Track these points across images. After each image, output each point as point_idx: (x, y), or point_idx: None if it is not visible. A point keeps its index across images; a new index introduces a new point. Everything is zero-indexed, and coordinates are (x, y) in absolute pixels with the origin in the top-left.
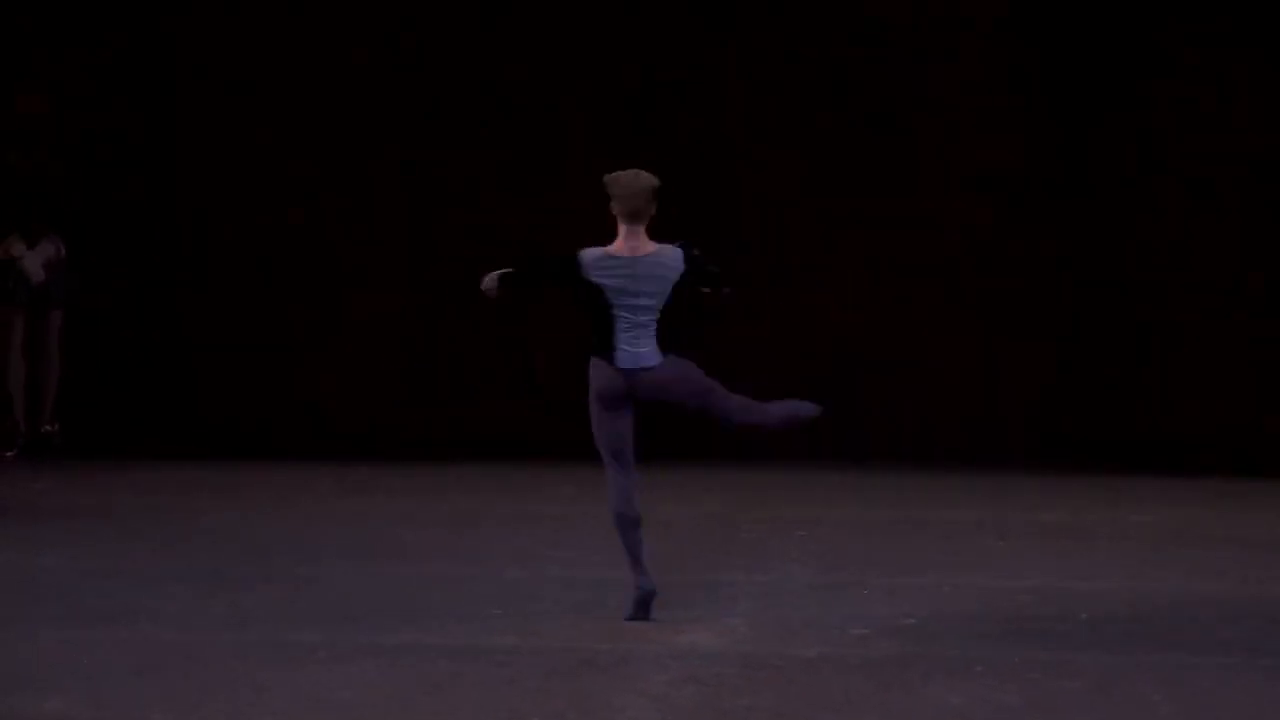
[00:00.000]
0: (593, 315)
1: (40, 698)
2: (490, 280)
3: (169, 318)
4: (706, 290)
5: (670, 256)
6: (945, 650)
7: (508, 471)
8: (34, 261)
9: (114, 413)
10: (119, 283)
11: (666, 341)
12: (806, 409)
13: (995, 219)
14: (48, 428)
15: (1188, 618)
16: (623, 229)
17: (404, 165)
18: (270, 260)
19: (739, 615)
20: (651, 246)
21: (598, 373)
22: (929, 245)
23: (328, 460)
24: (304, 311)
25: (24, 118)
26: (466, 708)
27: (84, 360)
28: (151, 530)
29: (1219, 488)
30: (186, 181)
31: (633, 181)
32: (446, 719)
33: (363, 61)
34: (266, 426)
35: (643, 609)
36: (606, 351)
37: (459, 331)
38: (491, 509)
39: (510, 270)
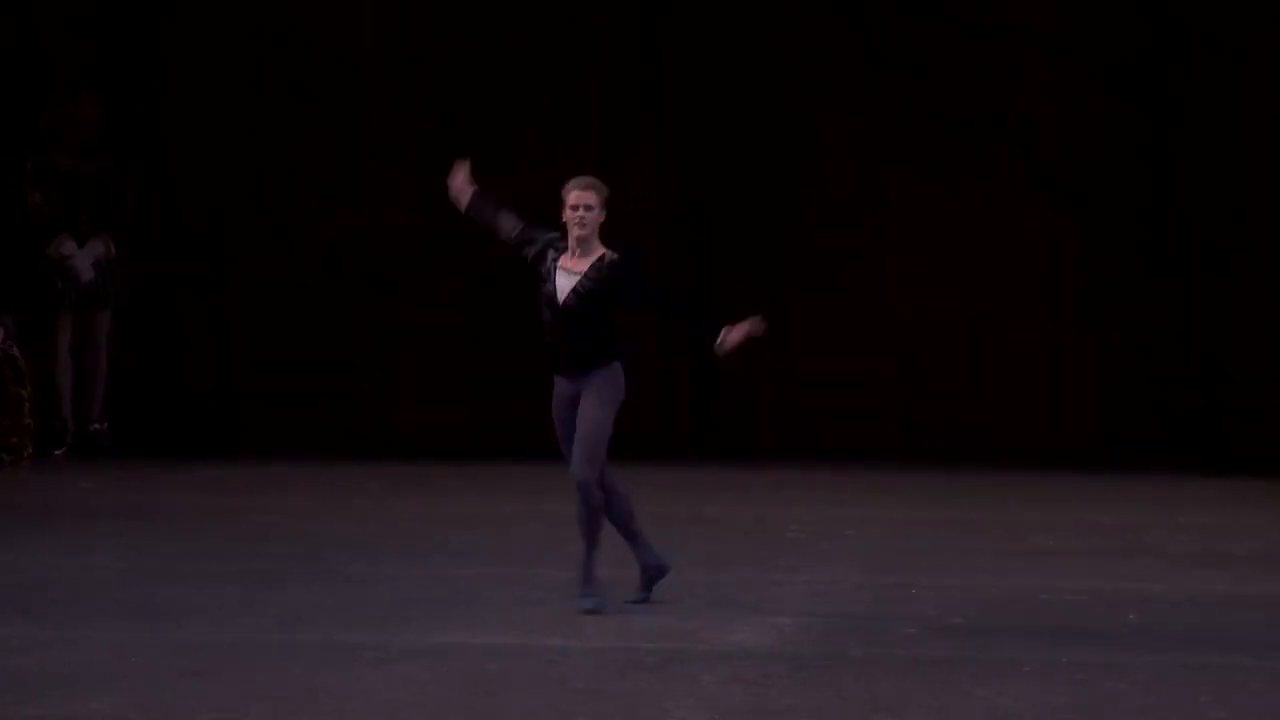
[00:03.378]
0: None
1: (90, 697)
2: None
3: (217, 317)
4: None
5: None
6: (994, 651)
7: (556, 473)
8: (84, 261)
9: (163, 412)
10: (167, 282)
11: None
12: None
13: (1066, 218)
14: (96, 426)
15: (1237, 620)
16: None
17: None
18: (321, 262)
19: (787, 615)
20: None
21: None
22: (994, 243)
23: (378, 461)
24: (357, 313)
25: (73, 120)
26: (514, 708)
27: (132, 359)
28: (201, 530)
29: (1270, 489)
30: (233, 182)
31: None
32: (496, 719)
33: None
34: (315, 427)
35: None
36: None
37: (505, 332)
38: (539, 510)
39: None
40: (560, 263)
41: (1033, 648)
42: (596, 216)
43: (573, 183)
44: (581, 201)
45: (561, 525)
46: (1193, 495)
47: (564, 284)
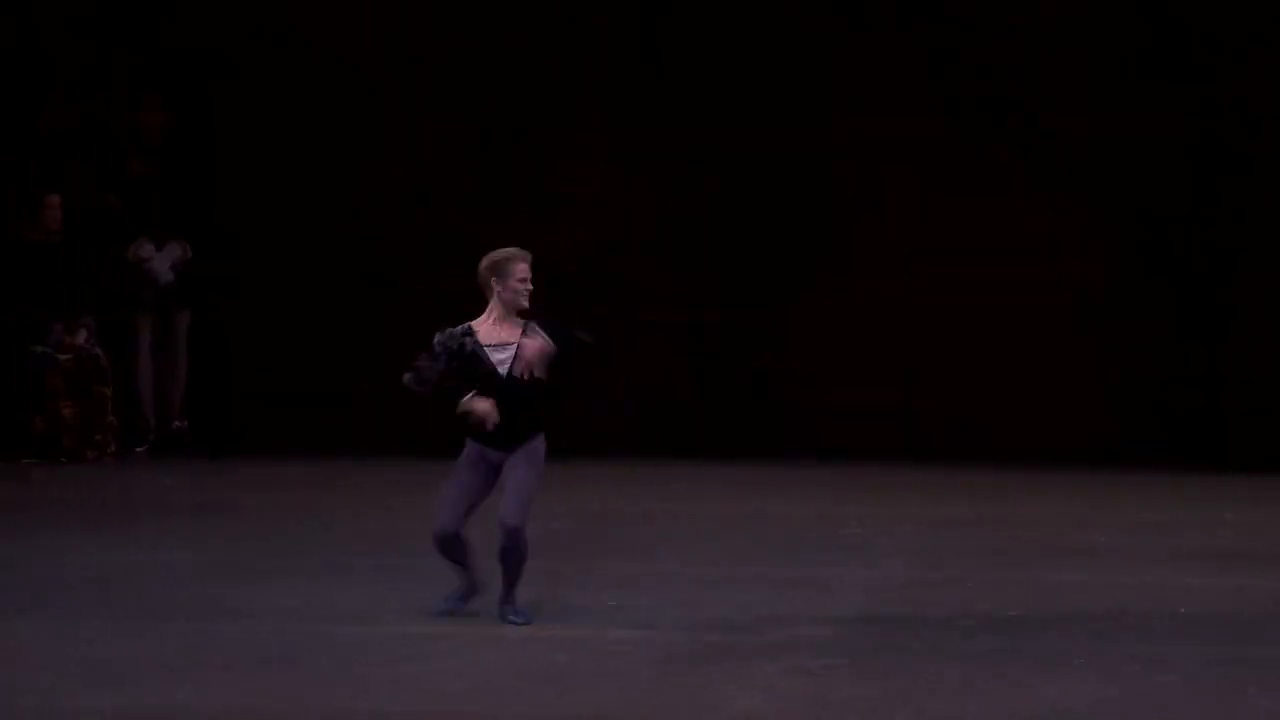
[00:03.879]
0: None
1: (171, 688)
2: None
3: (290, 315)
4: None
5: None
6: (1045, 644)
7: (624, 470)
8: (162, 263)
9: (242, 410)
10: (242, 283)
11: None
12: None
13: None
14: (177, 424)
15: None
16: None
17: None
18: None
19: (846, 609)
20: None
21: None
22: (1029, 246)
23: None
24: (426, 311)
25: (148, 127)
26: (582, 698)
27: (211, 358)
28: (278, 525)
29: None
30: (306, 186)
31: (485, 260)
32: (563, 708)
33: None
34: (387, 424)
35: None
36: None
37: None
38: (610, 506)
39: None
40: (481, 340)
41: (1083, 641)
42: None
43: (517, 254)
44: (529, 275)
45: (631, 521)
46: (1235, 494)
47: (500, 357)
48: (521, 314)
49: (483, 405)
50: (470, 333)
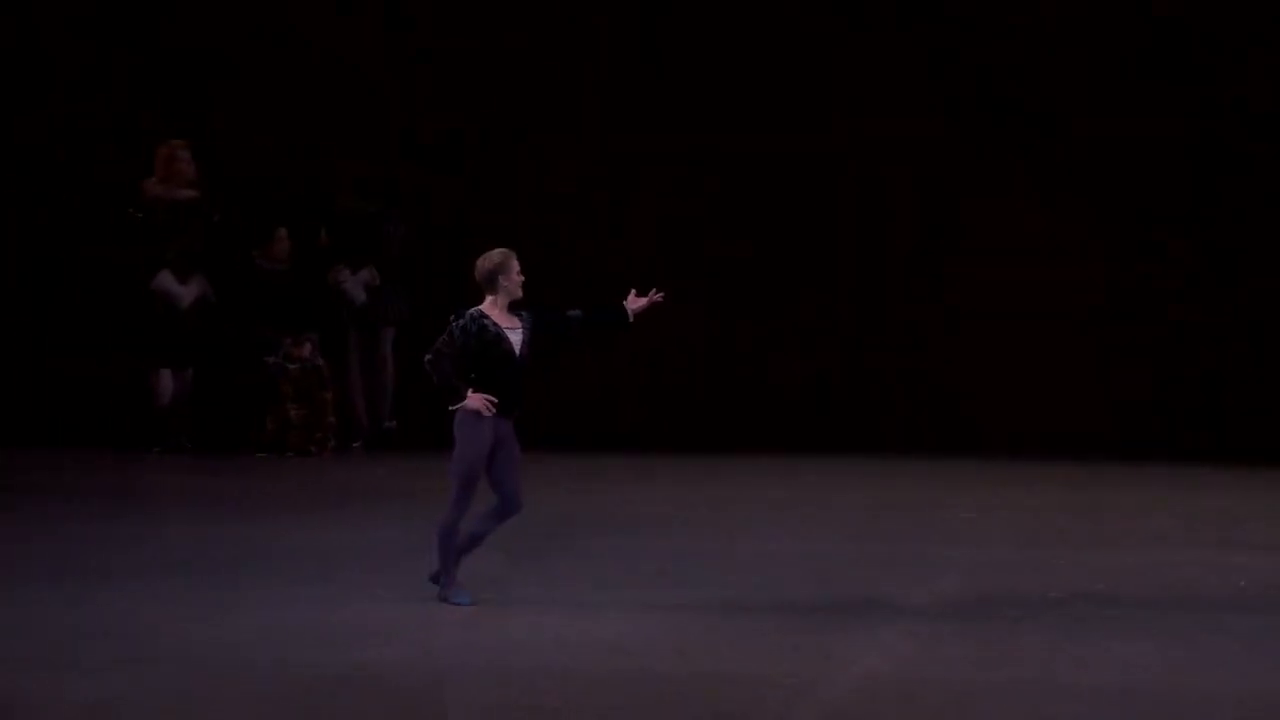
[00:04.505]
0: None
1: (383, 648)
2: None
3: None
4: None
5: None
6: (1125, 612)
7: (756, 463)
8: (355, 286)
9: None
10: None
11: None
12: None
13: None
14: (387, 424)
15: None
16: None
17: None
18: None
19: (951, 581)
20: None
21: None
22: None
23: (607, 451)
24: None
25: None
26: (729, 655)
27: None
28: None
29: None
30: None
31: (482, 261)
32: (709, 664)
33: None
34: (564, 420)
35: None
36: None
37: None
38: (745, 493)
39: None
40: (498, 324)
41: (1158, 610)
42: None
43: (511, 254)
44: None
45: (762, 507)
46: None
47: (514, 339)
48: (512, 305)
49: (478, 400)
50: (485, 316)
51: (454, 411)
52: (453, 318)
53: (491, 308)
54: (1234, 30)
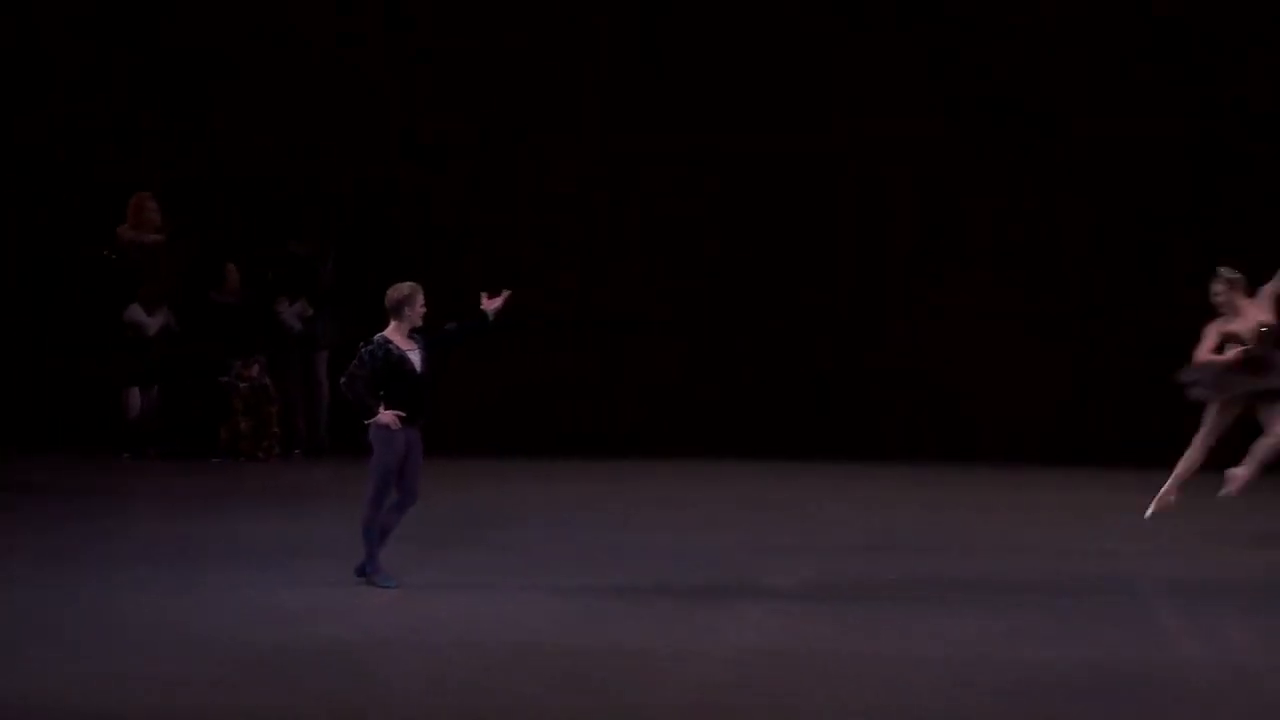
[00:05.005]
0: None
1: (322, 624)
2: (491, 305)
3: None
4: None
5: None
6: (966, 593)
7: (670, 465)
8: (291, 316)
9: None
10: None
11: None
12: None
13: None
14: (321, 435)
15: None
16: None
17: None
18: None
19: (812, 567)
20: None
21: None
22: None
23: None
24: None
25: (305, 222)
26: (617, 631)
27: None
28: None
29: None
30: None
31: (390, 293)
32: (599, 639)
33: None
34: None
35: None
36: None
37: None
38: (641, 492)
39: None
40: (401, 347)
41: (992, 592)
42: None
43: (418, 288)
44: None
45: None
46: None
47: (415, 359)
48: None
49: (388, 416)
50: (390, 341)
51: (368, 424)
52: (362, 345)
53: (395, 333)
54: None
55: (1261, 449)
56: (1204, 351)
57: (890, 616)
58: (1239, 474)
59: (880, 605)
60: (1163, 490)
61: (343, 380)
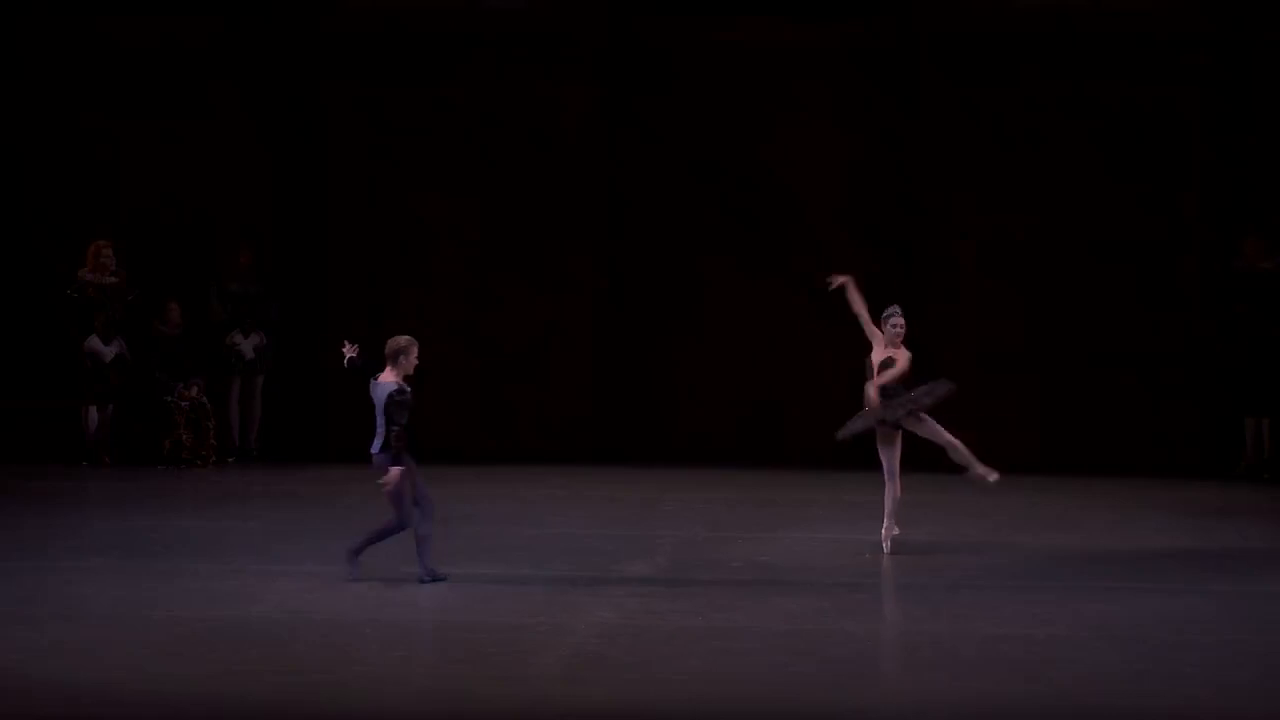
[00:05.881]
0: None
1: (253, 605)
2: (350, 352)
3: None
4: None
5: (383, 389)
6: (786, 576)
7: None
8: (247, 346)
9: (290, 436)
10: (290, 358)
11: (385, 444)
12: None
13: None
14: (253, 446)
15: None
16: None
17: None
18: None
19: (665, 555)
20: (384, 379)
21: None
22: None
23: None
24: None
25: (240, 263)
26: (499, 609)
27: (276, 403)
28: (318, 504)
29: None
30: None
31: (391, 342)
32: (483, 616)
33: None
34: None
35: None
36: None
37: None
38: (535, 490)
39: (358, 361)
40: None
41: (812, 575)
42: None
43: (415, 342)
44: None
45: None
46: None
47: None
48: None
49: (394, 475)
50: (403, 386)
51: (379, 459)
52: (397, 393)
53: (393, 376)
54: None
55: (959, 456)
56: (872, 388)
57: (723, 597)
58: (981, 471)
59: (725, 586)
60: (884, 528)
61: (394, 430)
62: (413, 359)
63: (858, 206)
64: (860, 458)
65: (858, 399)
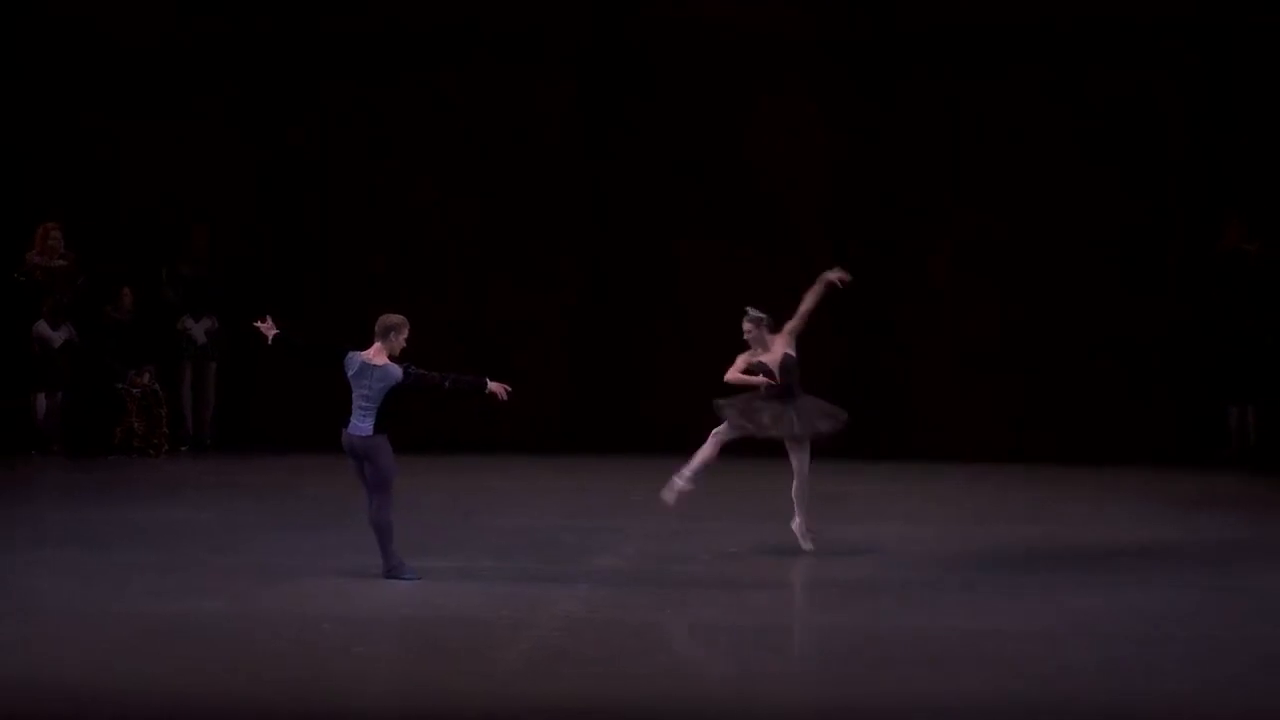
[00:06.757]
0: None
1: (209, 600)
2: (269, 330)
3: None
4: (447, 385)
5: (392, 371)
6: (754, 568)
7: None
8: (198, 330)
9: (250, 422)
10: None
11: (381, 425)
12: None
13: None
14: (207, 435)
15: None
16: (375, 343)
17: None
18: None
19: (633, 547)
20: (381, 360)
21: None
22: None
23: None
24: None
25: (195, 243)
26: (465, 602)
27: (229, 390)
28: (273, 495)
29: None
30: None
31: (383, 318)
32: (450, 609)
33: None
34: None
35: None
36: (347, 418)
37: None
38: (502, 482)
39: (287, 336)
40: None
41: (778, 569)
42: None
43: (407, 322)
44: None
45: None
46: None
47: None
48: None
49: (498, 386)
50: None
51: (378, 440)
52: (405, 369)
53: (379, 354)
54: None
55: (795, 492)
56: (733, 372)
57: (695, 589)
58: (798, 526)
59: (686, 579)
60: (684, 474)
61: (446, 384)
62: (403, 339)
63: (839, 201)
64: (838, 449)
65: (834, 395)
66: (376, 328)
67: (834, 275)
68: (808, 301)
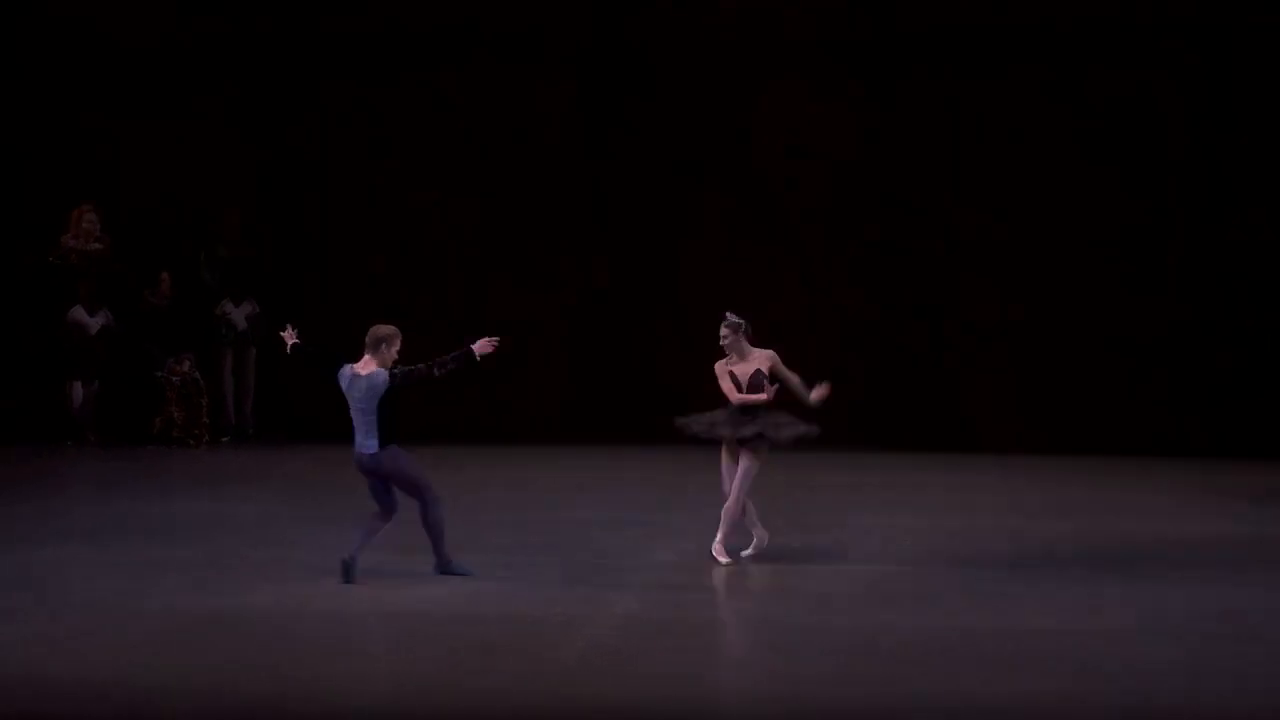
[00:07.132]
0: None
1: (248, 595)
2: (290, 338)
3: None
4: (437, 373)
5: (377, 377)
6: (819, 563)
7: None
8: (239, 315)
9: (294, 411)
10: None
11: (386, 437)
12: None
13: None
14: (249, 424)
15: None
16: (365, 355)
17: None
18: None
19: (690, 542)
20: (368, 370)
21: None
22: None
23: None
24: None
25: (229, 225)
26: (516, 600)
27: (271, 378)
28: (318, 485)
29: None
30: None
31: (374, 330)
32: (500, 608)
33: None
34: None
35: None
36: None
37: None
38: (547, 474)
39: (304, 346)
40: None
41: (845, 563)
42: None
43: (399, 333)
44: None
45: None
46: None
47: None
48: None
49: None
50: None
51: (388, 453)
52: (397, 367)
53: (368, 366)
54: None
55: (729, 514)
56: (726, 388)
57: (753, 582)
58: (718, 546)
59: (743, 574)
60: (755, 540)
61: (436, 373)
62: (394, 350)
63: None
64: (869, 440)
65: (837, 392)
66: (367, 339)
67: (817, 394)
68: (794, 383)
